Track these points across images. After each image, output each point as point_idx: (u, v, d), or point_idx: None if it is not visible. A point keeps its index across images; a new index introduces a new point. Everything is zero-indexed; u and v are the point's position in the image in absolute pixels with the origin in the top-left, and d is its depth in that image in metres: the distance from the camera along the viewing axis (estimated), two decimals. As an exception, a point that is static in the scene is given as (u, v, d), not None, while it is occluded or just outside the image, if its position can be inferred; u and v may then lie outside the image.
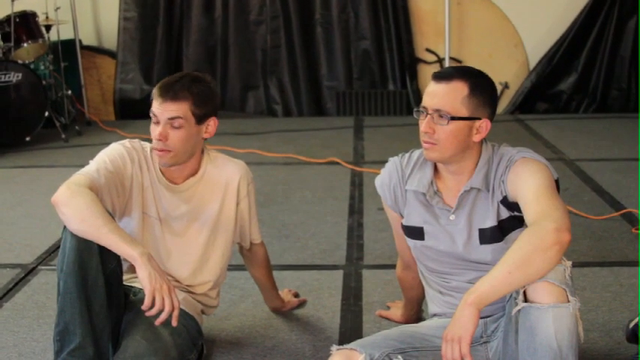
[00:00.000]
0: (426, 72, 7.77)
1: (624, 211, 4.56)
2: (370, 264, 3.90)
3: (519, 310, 2.23)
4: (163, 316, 2.38)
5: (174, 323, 2.40)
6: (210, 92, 2.74)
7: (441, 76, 2.46)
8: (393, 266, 3.75)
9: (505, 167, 2.46)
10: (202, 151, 2.83)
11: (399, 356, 2.39)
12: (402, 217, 2.68)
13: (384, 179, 2.71)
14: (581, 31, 7.57)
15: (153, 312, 2.37)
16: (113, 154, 2.71)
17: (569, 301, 2.19)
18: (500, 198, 2.47)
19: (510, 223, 2.49)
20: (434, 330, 2.56)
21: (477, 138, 2.46)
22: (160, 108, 2.64)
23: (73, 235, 2.43)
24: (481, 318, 2.52)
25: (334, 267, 3.87)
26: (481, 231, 2.51)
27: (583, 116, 7.57)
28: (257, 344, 3.08)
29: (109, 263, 2.49)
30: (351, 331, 3.17)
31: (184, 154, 2.72)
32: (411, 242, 2.68)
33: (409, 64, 7.76)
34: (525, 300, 2.21)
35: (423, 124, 2.46)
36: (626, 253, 3.96)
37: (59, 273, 2.49)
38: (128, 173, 2.71)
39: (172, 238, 2.80)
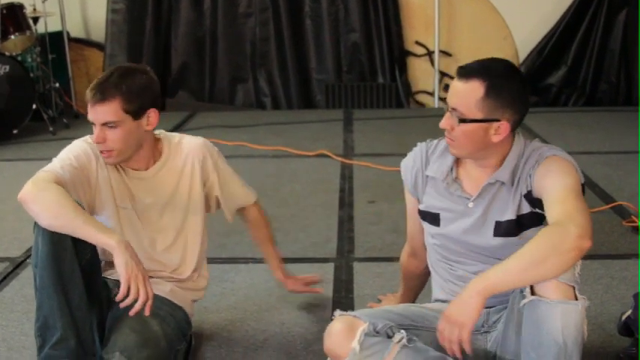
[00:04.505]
0: (415, 65, 7.77)
1: (614, 204, 4.56)
2: (361, 257, 3.89)
3: (526, 303, 2.21)
4: (138, 306, 2.35)
5: (146, 313, 2.37)
6: (143, 84, 2.64)
7: (462, 73, 2.39)
8: (384, 259, 3.78)
9: (535, 162, 2.41)
10: (159, 138, 2.80)
11: (402, 330, 2.38)
12: (420, 202, 2.66)
13: (408, 163, 2.68)
14: (570, 25, 7.58)
15: (128, 301, 2.35)
16: (77, 150, 2.66)
17: (577, 299, 2.18)
18: (525, 192, 2.43)
19: (530, 219, 2.45)
20: (437, 312, 2.54)
21: (495, 139, 2.39)
22: (91, 112, 2.58)
23: (45, 230, 2.40)
24: (485, 307, 2.51)
25: (325, 260, 3.86)
26: (497, 223, 2.47)
27: (572, 109, 7.58)
28: (248, 337, 3.07)
29: (84, 254, 2.46)
30: (342, 324, 3.15)
31: (128, 150, 2.67)
32: (426, 226, 2.66)
33: (398, 56, 7.75)
34: (532, 293, 2.20)
35: (443, 120, 2.42)
36: (616, 246, 3.97)
37: (34, 268, 2.46)
38: (93, 168, 2.67)
39: (150, 226, 2.78)
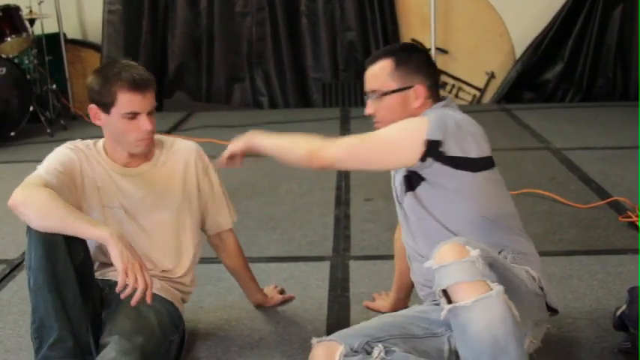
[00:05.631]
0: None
1: (611, 199, 4.56)
2: (357, 255, 3.89)
3: (446, 313, 2.20)
4: (138, 294, 2.34)
5: (148, 300, 2.37)
6: None
7: (370, 60, 2.65)
8: (380, 257, 3.78)
9: None
10: None
11: (380, 345, 2.39)
12: None
13: None
14: (566, 20, 7.58)
15: (128, 291, 2.34)
16: (60, 157, 2.70)
17: (491, 289, 2.16)
18: None
19: (414, 176, 2.53)
20: (411, 318, 2.57)
21: (416, 104, 2.57)
22: (142, 101, 2.65)
23: (37, 233, 2.42)
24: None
25: (321, 258, 3.86)
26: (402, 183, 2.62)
27: (569, 105, 7.58)
28: (244, 337, 3.07)
29: (77, 254, 2.47)
30: (338, 322, 3.16)
31: None
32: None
33: (395, 54, 7.74)
34: (448, 301, 2.18)
35: (366, 108, 2.63)
36: (612, 242, 3.97)
37: (28, 271, 2.47)
38: (78, 171, 2.71)
39: (140, 225, 2.79)
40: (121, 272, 2.34)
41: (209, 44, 7.87)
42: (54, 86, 7.16)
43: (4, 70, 6.51)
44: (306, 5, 7.75)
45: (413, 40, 7.77)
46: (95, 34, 7.95)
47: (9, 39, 6.64)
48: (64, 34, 7.65)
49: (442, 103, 2.61)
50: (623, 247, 3.87)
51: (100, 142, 2.82)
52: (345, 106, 7.78)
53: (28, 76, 6.77)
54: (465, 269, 2.15)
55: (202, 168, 2.90)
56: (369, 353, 2.38)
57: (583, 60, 7.64)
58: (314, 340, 2.48)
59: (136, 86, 2.63)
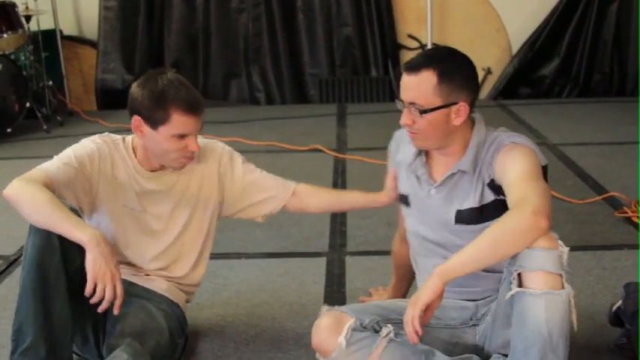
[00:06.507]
0: (408, 58, 7.73)
1: (607, 195, 4.57)
2: (353, 251, 3.90)
3: (512, 295, 2.22)
4: (104, 305, 2.32)
5: (115, 311, 2.35)
6: None
7: (410, 68, 2.43)
8: (376, 253, 3.79)
9: (494, 150, 2.44)
10: None
11: (390, 326, 2.39)
12: None
13: (391, 144, 2.78)
14: (563, 16, 7.56)
15: (94, 300, 2.32)
16: (81, 151, 2.63)
17: (563, 288, 2.18)
18: (488, 181, 2.46)
19: (494, 209, 2.45)
20: None
21: (457, 122, 2.43)
22: (195, 125, 2.58)
23: (35, 232, 2.39)
24: (473, 301, 2.52)
25: (317, 254, 3.86)
26: (458, 212, 2.50)
27: (566, 101, 7.58)
28: (240, 332, 3.07)
29: (74, 261, 2.42)
30: (334, 318, 3.16)
31: None
32: (403, 208, 2.70)
33: (391, 50, 7.74)
34: (520, 285, 2.20)
35: (402, 117, 2.45)
36: (608, 237, 3.98)
37: (21, 271, 2.44)
38: (95, 169, 2.64)
39: (155, 227, 2.75)
40: (89, 280, 2.31)
41: (205, 40, 7.86)
42: (50, 82, 7.15)
43: (0, 66, 6.49)
44: (302, 1, 7.72)
45: (409, 35, 7.77)
46: (91, 31, 7.93)
47: (5, 35, 6.62)
48: (60, 31, 7.62)
49: (484, 128, 2.51)
50: (619, 243, 3.88)
51: (129, 139, 2.74)
52: (342, 102, 7.76)
53: (25, 73, 6.75)
54: (550, 259, 2.18)
55: (229, 165, 2.81)
56: (377, 332, 2.39)
57: (579, 55, 7.62)
58: (324, 308, 2.48)
59: (192, 109, 2.55)
